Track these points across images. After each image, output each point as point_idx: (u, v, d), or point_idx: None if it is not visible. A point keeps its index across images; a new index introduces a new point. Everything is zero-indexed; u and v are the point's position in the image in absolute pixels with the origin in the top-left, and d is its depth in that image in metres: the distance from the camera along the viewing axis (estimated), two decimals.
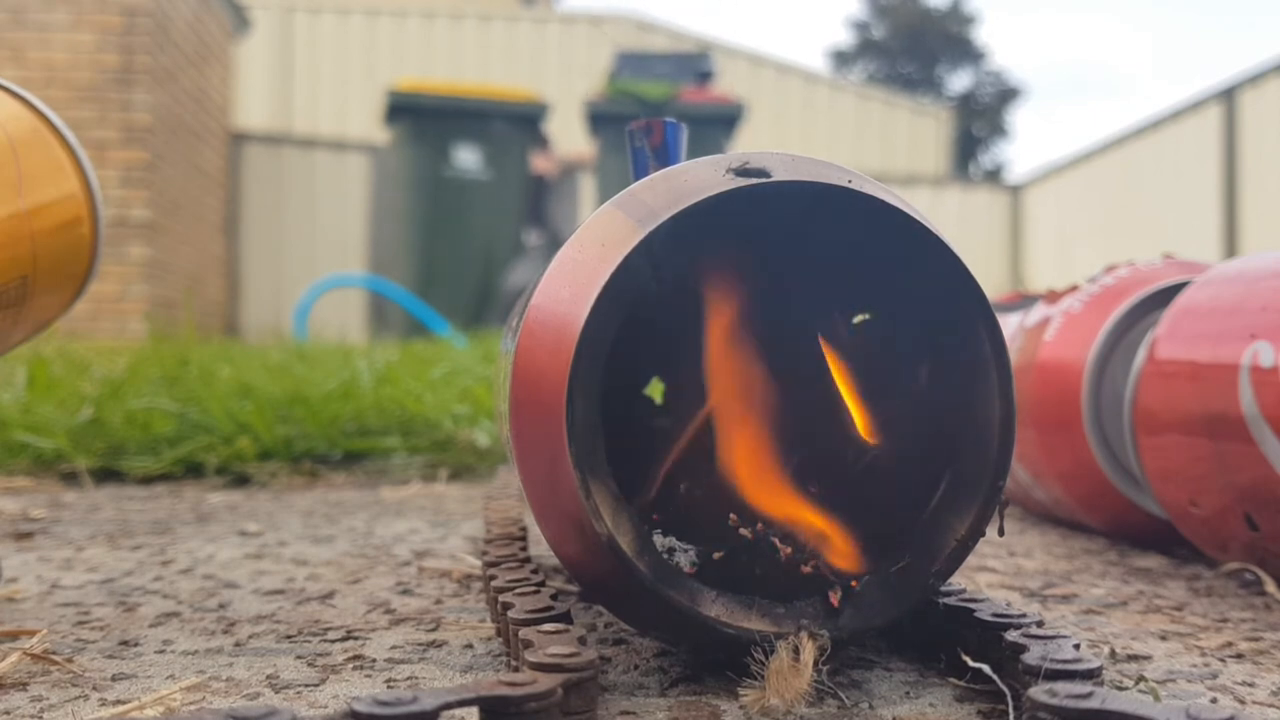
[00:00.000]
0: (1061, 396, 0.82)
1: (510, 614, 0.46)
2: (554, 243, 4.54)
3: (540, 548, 0.71)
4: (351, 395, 1.47)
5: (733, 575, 0.46)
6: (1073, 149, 7.14)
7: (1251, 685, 0.48)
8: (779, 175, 0.44)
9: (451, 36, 7.93)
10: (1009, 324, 0.93)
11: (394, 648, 0.53)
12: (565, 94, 6.44)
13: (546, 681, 0.38)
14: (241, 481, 1.21)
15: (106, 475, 1.23)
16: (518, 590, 0.51)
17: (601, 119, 4.43)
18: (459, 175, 4.51)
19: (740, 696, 0.42)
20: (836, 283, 0.51)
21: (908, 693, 0.46)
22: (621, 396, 0.50)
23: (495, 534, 0.67)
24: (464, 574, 0.71)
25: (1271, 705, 0.45)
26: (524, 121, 4.63)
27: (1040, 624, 0.44)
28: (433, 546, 0.82)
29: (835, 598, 0.46)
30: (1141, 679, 0.48)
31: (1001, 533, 0.50)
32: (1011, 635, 0.43)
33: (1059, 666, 0.40)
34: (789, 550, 0.48)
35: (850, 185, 0.45)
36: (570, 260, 0.46)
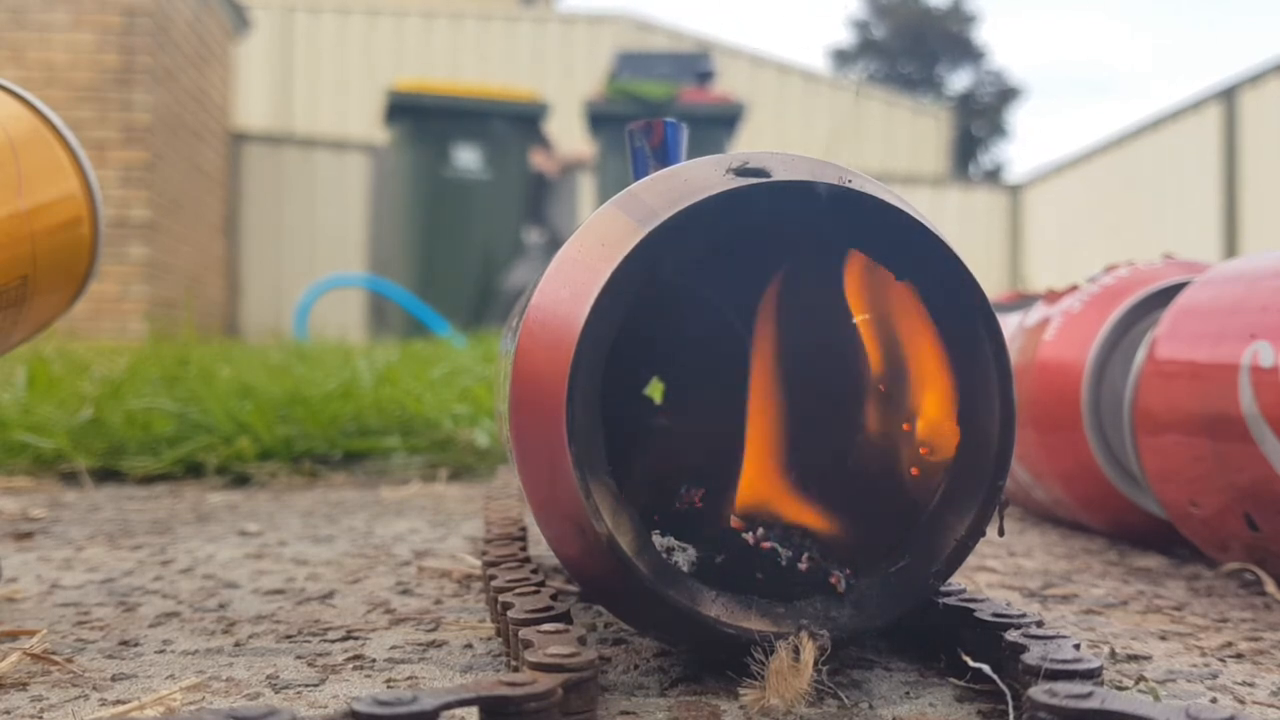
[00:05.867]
0: (1061, 396, 0.82)
1: (510, 614, 0.46)
2: (554, 242, 4.54)
3: (540, 548, 0.71)
4: (351, 395, 1.47)
5: (732, 575, 0.46)
6: (1073, 149, 7.13)
7: (1251, 685, 0.48)
8: (779, 175, 0.44)
9: (451, 36, 7.93)
10: (1009, 324, 0.93)
11: (394, 648, 0.53)
12: (565, 94, 6.44)
13: (546, 681, 0.38)
14: (241, 481, 1.21)
15: (106, 475, 1.23)
16: (518, 590, 0.51)
17: (601, 119, 4.43)
18: (459, 175, 4.51)
19: (740, 696, 0.42)
20: (837, 283, 0.51)
21: (908, 693, 0.46)
22: (621, 396, 0.50)
23: (495, 534, 0.67)
24: (464, 574, 0.71)
25: (1271, 705, 0.45)
26: (524, 121, 4.63)
27: (1040, 624, 0.44)
28: (433, 546, 0.82)
29: (838, 582, 0.46)
30: (1141, 679, 0.48)
31: (1001, 533, 0.50)
32: (1011, 635, 0.43)
33: (1059, 666, 0.40)
34: (788, 553, 0.48)
35: (850, 185, 0.45)
36: (570, 260, 0.46)
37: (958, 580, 0.58)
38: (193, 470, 1.24)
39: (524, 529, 0.68)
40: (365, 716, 0.33)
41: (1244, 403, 0.63)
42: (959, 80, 18.28)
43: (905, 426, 0.50)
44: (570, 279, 0.45)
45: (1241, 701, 0.46)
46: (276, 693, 0.46)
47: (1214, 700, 0.46)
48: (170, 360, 1.80)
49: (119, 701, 0.45)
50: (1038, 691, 0.36)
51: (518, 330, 0.46)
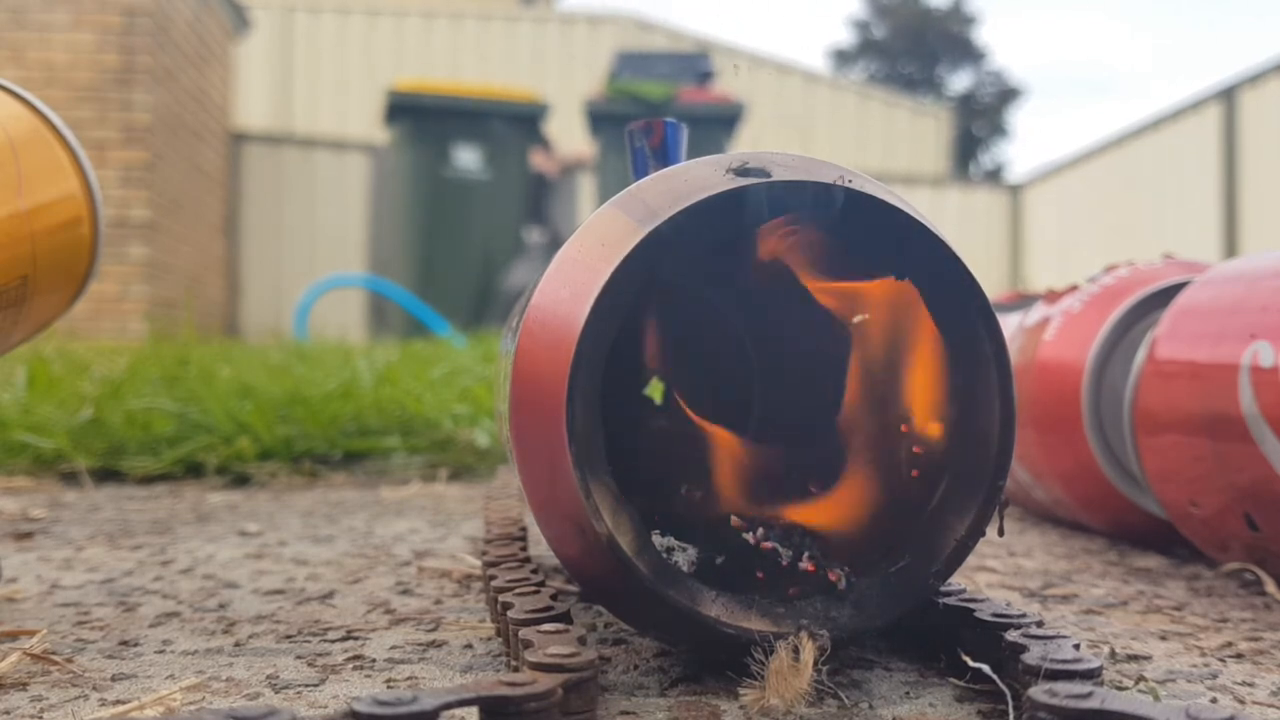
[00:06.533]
0: (1061, 396, 0.82)
1: (510, 614, 0.46)
2: (554, 242, 4.54)
3: (540, 548, 0.71)
4: (351, 395, 1.47)
5: (733, 575, 0.46)
6: (1073, 149, 7.13)
7: (1251, 685, 0.48)
8: (779, 175, 0.44)
9: (451, 36, 7.93)
10: (1009, 324, 0.93)
11: (394, 648, 0.53)
12: (565, 94, 6.44)
13: (546, 681, 0.38)
14: (241, 481, 1.21)
15: (106, 475, 1.23)
16: (518, 590, 0.51)
17: (601, 119, 4.43)
18: (459, 175, 4.51)
19: (740, 696, 0.42)
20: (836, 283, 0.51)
21: (908, 693, 0.46)
22: (621, 396, 0.50)
23: (495, 534, 0.67)
24: (464, 574, 0.71)
25: (1271, 705, 0.45)
26: (524, 121, 4.63)
27: (1040, 624, 0.44)
28: (433, 546, 0.82)
29: (839, 580, 0.46)
30: (1141, 679, 0.48)
31: (1001, 533, 0.50)
32: (1011, 635, 0.43)
33: (1059, 666, 0.40)
34: (789, 553, 0.48)
35: (850, 185, 0.45)
36: (570, 260, 0.46)
37: (958, 580, 0.58)
38: (193, 470, 1.24)
39: (524, 529, 0.68)
40: (365, 716, 0.33)
41: (1244, 403, 0.63)
42: (959, 80, 18.30)
43: (904, 428, 0.50)
44: (570, 279, 0.45)
45: (1241, 701, 0.46)
46: (276, 693, 0.46)
47: (1214, 700, 0.46)
48: (170, 360, 1.80)
49: (119, 701, 0.45)
50: (1038, 691, 0.36)
51: (518, 330, 0.46)
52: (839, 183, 0.44)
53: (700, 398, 0.63)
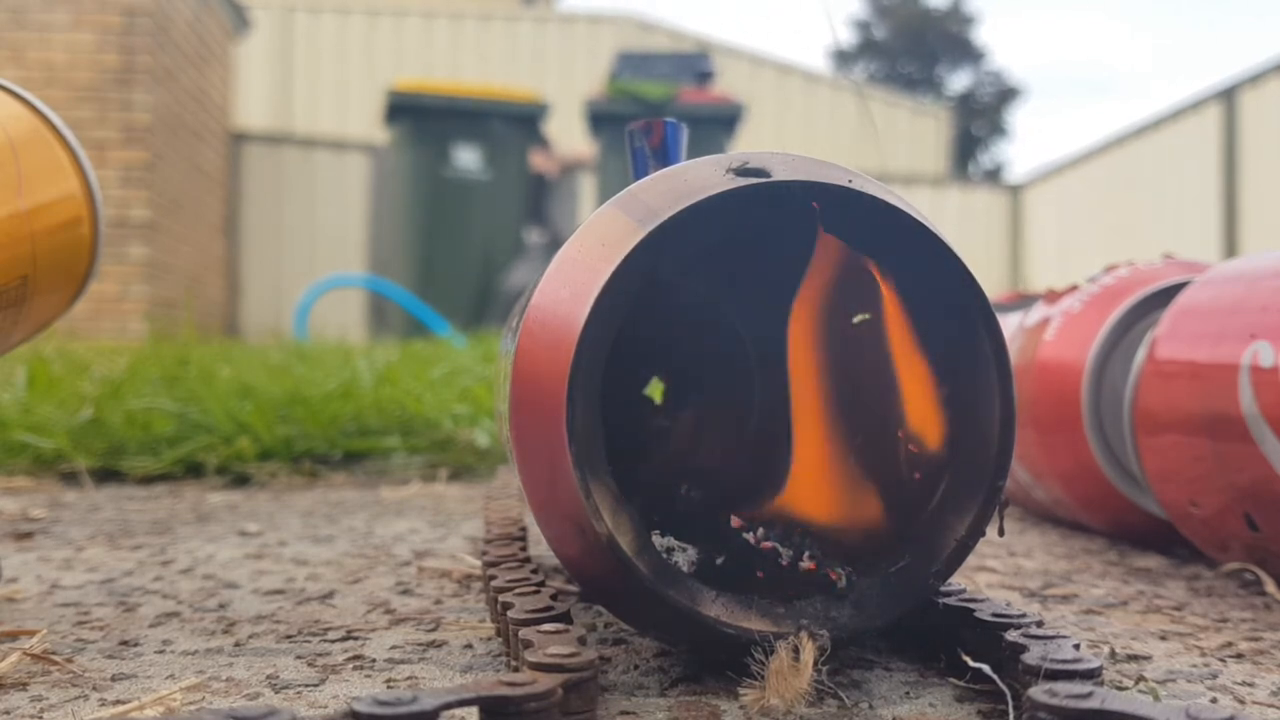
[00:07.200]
0: (1061, 396, 0.82)
1: (510, 614, 0.46)
2: (554, 242, 4.54)
3: (540, 548, 0.71)
4: (351, 395, 1.47)
5: (733, 575, 0.46)
6: (1073, 149, 7.14)
7: (1251, 685, 0.48)
8: (779, 175, 0.44)
9: (451, 36, 7.93)
10: (1009, 324, 0.93)
11: (394, 648, 0.53)
12: (565, 94, 6.44)
13: (546, 681, 0.38)
14: (241, 481, 1.21)
15: (106, 475, 1.23)
16: (518, 590, 0.51)
17: (601, 119, 4.43)
18: (459, 175, 4.51)
19: (740, 696, 0.42)
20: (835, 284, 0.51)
21: (908, 693, 0.46)
22: (621, 396, 0.50)
23: (495, 534, 0.67)
24: (464, 574, 0.71)
25: (1271, 705, 0.45)
26: (524, 121, 4.63)
27: (1040, 624, 0.44)
28: (433, 546, 0.82)
29: (839, 579, 0.46)
30: (1141, 679, 0.48)
31: (1001, 533, 0.50)
32: (1011, 635, 0.43)
33: (1059, 666, 0.40)
34: (789, 553, 0.48)
35: (851, 185, 0.45)
36: (570, 260, 0.46)
37: (958, 580, 0.58)
38: (193, 470, 1.24)
39: (524, 529, 0.68)
40: (365, 716, 0.33)
41: (1244, 403, 0.63)
42: (959, 80, 18.30)
43: (902, 429, 0.50)
44: (570, 279, 0.45)
45: (1241, 701, 0.46)
46: (276, 693, 0.46)
47: (1214, 700, 0.46)
48: (170, 360, 1.80)
49: (119, 701, 0.45)
50: (1038, 691, 0.36)
51: (518, 330, 0.46)
52: (840, 182, 0.44)
53: (700, 397, 0.63)
